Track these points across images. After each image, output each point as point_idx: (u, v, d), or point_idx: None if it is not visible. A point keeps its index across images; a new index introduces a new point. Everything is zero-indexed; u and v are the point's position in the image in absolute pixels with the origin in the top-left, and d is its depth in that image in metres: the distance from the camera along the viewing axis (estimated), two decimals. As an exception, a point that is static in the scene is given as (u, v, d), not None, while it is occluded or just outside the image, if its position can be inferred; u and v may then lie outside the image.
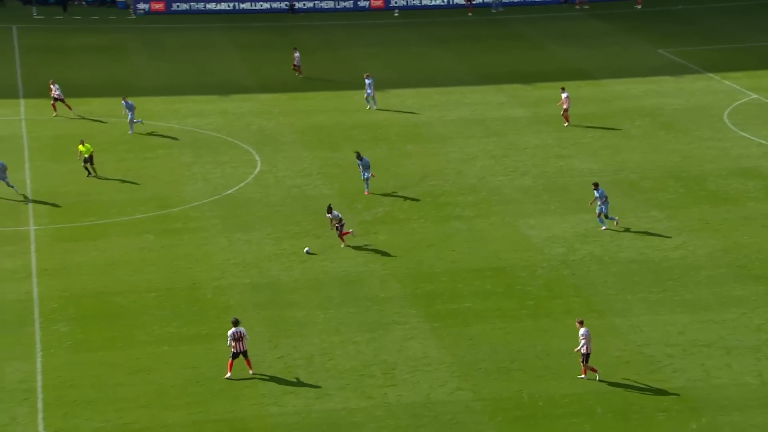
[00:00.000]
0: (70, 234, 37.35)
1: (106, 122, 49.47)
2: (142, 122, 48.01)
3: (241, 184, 42.42)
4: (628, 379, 28.15)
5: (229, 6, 71.36)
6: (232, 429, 26.12)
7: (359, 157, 41.07)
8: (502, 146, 46.95)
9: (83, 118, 49.30)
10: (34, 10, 69.33)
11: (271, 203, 40.48)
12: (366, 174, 40.90)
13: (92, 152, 42.15)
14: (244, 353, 28.15)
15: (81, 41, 63.59)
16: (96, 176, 42.30)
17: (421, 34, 67.37)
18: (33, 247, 36.13)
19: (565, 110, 49.02)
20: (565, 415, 26.70)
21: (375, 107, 51.52)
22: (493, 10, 72.98)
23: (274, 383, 28.12)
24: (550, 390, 27.69)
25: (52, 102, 49.10)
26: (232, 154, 45.82)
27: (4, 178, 40.03)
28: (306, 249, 35.66)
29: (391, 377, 28.44)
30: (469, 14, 72.78)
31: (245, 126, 49.59)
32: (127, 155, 45.45)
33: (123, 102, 47.66)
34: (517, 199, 40.95)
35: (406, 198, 41.07)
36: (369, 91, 51.14)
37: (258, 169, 44.08)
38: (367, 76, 51.53)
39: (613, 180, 42.44)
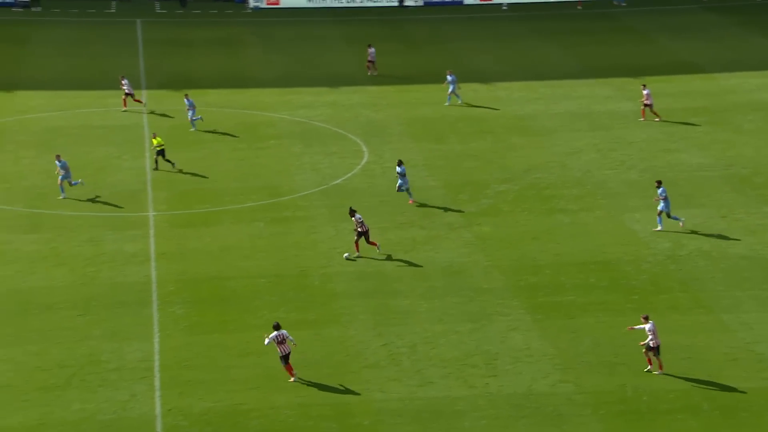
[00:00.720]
0: (186, 220, 38.11)
1: (221, 112, 50.33)
2: (201, 119, 47.39)
3: (348, 175, 42.65)
4: (737, 377, 27.35)
5: (340, 1, 71.74)
6: (337, 413, 26.30)
7: (400, 163, 39.26)
8: (608, 140, 46.11)
9: (153, 112, 49.71)
10: (157, 5, 70.98)
11: (377, 193, 40.58)
12: (402, 182, 38.76)
13: (163, 146, 42.23)
14: (287, 357, 27.34)
15: (200, 34, 64.81)
16: (160, 169, 42.06)
17: (529, 28, 66.62)
18: (152, 232, 36.99)
19: (647, 106, 47.81)
20: (670, 411, 26.09)
21: (459, 102, 50.93)
22: (615, 2, 71.72)
23: (378, 370, 28.21)
24: (654, 385, 27.10)
25: (123, 96, 49.21)
26: (340, 145, 46.10)
27: (67, 177, 39.09)
28: (345, 255, 34.26)
29: (493, 367, 28.24)
30: (579, 7, 71.65)
31: (354, 117, 49.82)
32: (240, 145, 46.15)
33: (185, 100, 47.20)
34: (623, 192, 40.16)
35: (510, 190, 40.69)
36: (452, 87, 50.72)
37: (365, 160, 44.24)
38: (450, 72, 51.14)
39: (723, 175, 41.28)
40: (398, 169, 39.06)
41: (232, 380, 27.67)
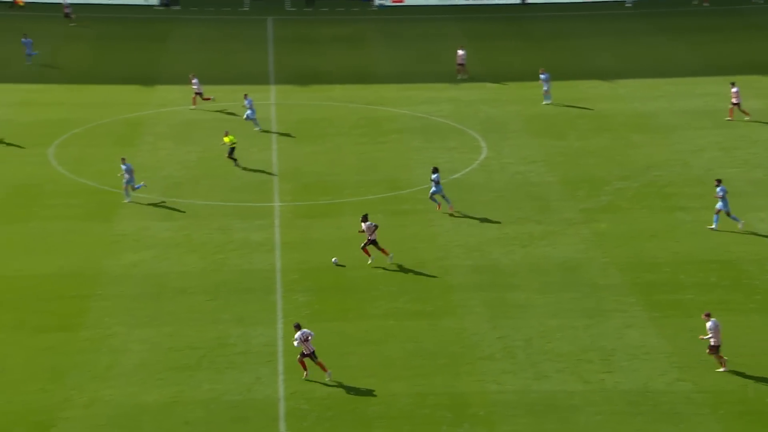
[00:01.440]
0: (309, 211, 38.61)
1: (344, 107, 50.80)
2: (255, 124, 46.67)
3: (467, 170, 42.46)
4: None
5: (462, -2, 71.52)
6: (453, 403, 26.24)
7: (435, 170, 37.45)
8: (732, 138, 44.64)
9: (224, 112, 49.99)
10: (287, 3, 72.14)
11: (495, 189, 40.28)
12: (436, 189, 37.14)
13: (235, 144, 42.21)
14: (313, 354, 27.10)
15: (326, 32, 65.51)
16: (238, 165, 42.00)
17: (653, 25, 65.01)
18: (277, 222, 37.61)
19: (735, 105, 45.96)
20: (791, 413, 25.16)
21: (549, 102, 49.90)
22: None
23: (493, 362, 28.02)
24: (776, 387, 26.16)
25: (193, 96, 49.25)
26: (459, 140, 45.93)
27: (131, 182, 38.35)
28: (334, 260, 33.39)
29: (608, 363, 27.71)
30: (705, 4, 69.53)
31: (473, 113, 49.56)
32: (362, 139, 46.46)
33: (245, 100, 46.88)
34: (748, 191, 38.83)
35: (629, 187, 39.81)
36: (546, 86, 49.73)
37: (484, 156, 43.97)
38: (542, 71, 50.18)
39: None
40: (433, 176, 37.60)
41: (351, 366, 27.91)
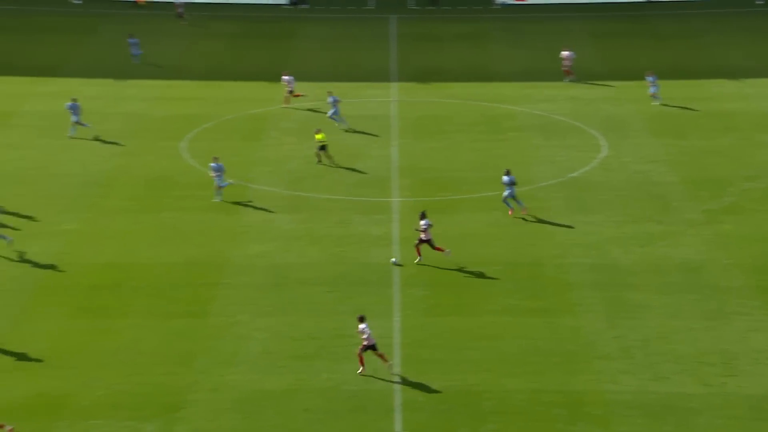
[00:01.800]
0: (427, 206, 38.65)
1: (464, 104, 50.67)
2: (338, 122, 46.46)
3: (586, 168, 41.82)
4: None
5: (585, -4, 70.39)
6: (568, 401, 25.96)
7: (508, 173, 36.90)
8: None
9: (316, 111, 50.17)
10: (410, 2, 72.43)
11: (614, 187, 39.56)
12: (509, 192, 36.66)
13: (325, 142, 42.23)
14: (373, 347, 27.06)
15: (449, 30, 65.46)
16: (323, 164, 42.05)
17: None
18: (395, 217, 37.84)
19: None
20: None
21: (658, 102, 48.42)
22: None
23: (610, 361, 27.57)
24: None
25: (285, 94, 49.49)
26: (579, 139, 45.27)
27: (219, 180, 38.06)
28: (393, 260, 32.89)
29: (731, 367, 26.93)
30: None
31: (594, 112, 48.76)
32: (481, 136, 46.29)
33: (329, 97, 46.71)
34: None
35: (756, 188, 38.51)
36: (653, 89, 48.26)
37: (603, 154, 43.22)
38: (650, 73, 48.71)
39: None
40: (505, 178, 37.04)
41: (467, 362, 27.90)
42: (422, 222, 33.36)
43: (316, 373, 27.50)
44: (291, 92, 49.20)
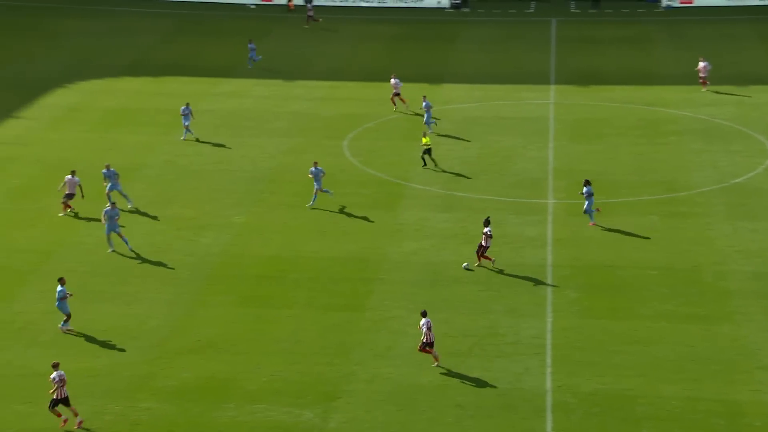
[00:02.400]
0: (582, 209, 38.06)
1: (623, 108, 49.52)
2: (435, 123, 45.70)
3: (751, 174, 40.13)
4: None
5: (757, -1, 67.49)
6: (728, 411, 25.03)
7: (587, 183, 35.95)
8: None
9: (415, 114, 49.18)
10: (572, 4, 71.38)
11: (781, 194, 37.83)
12: (588, 203, 35.65)
13: (430, 146, 41.69)
14: (431, 344, 27.00)
15: (610, 33, 64.10)
16: (428, 167, 41.61)
17: None
18: (550, 218, 37.40)
19: None
20: None
21: None
22: None
23: (768, 372, 26.45)
24: None
25: (392, 96, 49.13)
26: (743, 144, 43.49)
27: (318, 185, 37.38)
28: (465, 264, 31.66)
29: None
30: None
31: (761, 117, 46.75)
32: (640, 140, 45.14)
33: (424, 102, 45.80)
34: None
35: None
36: None
37: (770, 160, 41.41)
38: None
39: None
40: (585, 189, 35.78)
41: (619, 365, 27.33)
42: (486, 229, 32.81)
43: (468, 370, 27.53)
44: (397, 95, 49.16)
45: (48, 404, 24.64)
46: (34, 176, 39.99)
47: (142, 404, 25.74)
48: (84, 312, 29.94)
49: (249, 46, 56.57)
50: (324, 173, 37.89)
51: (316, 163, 37.93)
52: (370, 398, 26.37)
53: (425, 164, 42.00)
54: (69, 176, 36.94)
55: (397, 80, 49.30)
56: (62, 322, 28.94)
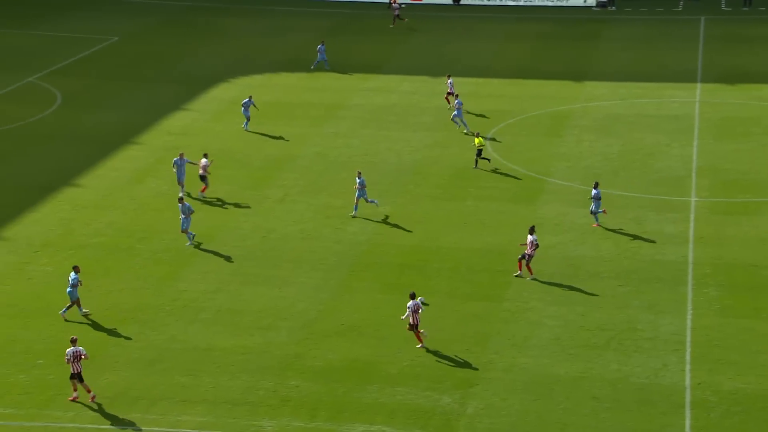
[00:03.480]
0: (726, 208, 36.66)
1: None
2: (461, 125, 43.37)
3: None
4: None
5: None
6: None
7: (595, 186, 35.09)
8: None
9: (481, 116, 47.29)
10: (722, 2, 68.68)
11: None
12: (595, 206, 34.84)
13: (483, 146, 40.81)
14: (416, 326, 27.42)
15: (762, 31, 61.32)
16: (477, 167, 40.71)
17: None
18: (692, 216, 36.17)
19: None
20: None
21: None
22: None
23: None
24: None
25: (446, 96, 48.56)
26: None
27: (363, 195, 36.04)
28: (420, 299, 29.43)
29: None
30: None
31: None
32: (790, 139, 43.08)
33: (456, 101, 44.93)
34: None
35: None
36: None
37: None
38: None
39: None
40: (593, 191, 34.89)
41: (763, 365, 26.22)
42: (530, 237, 31.68)
43: (605, 364, 26.98)
44: (451, 93, 48.63)
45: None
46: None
47: (291, 382, 26.41)
48: (240, 293, 30.96)
49: (319, 47, 56.05)
50: (365, 183, 36.26)
51: (359, 173, 36.53)
52: (506, 387, 26.22)
53: (476, 166, 41.18)
54: (204, 160, 38.10)
55: (452, 81, 49.13)
56: (64, 309, 29.02)
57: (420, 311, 27.74)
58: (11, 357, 26.69)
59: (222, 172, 40.45)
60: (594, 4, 69.77)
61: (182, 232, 34.06)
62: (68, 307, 29.15)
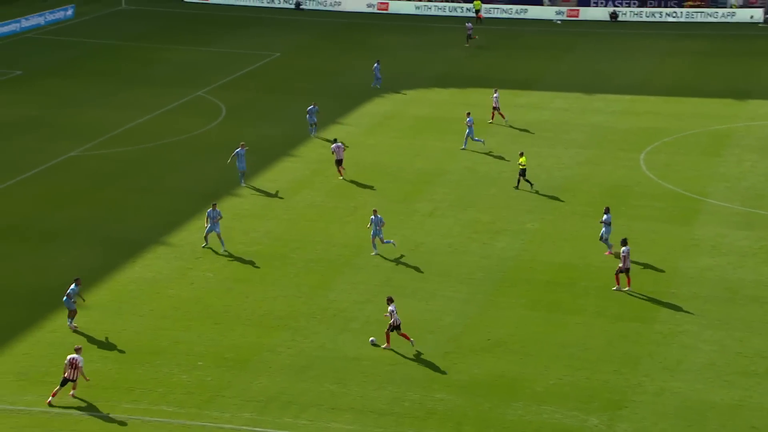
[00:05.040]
0: None
1: None
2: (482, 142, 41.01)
3: None
4: None
5: None
6: None
7: (606, 211, 34.08)
8: None
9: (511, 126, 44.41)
10: None
11: None
12: (605, 231, 33.80)
13: (525, 166, 39.58)
14: (398, 327, 27.79)
15: None
16: (520, 189, 39.54)
17: None
18: None
19: None
20: None
21: None
22: None
23: None
24: None
25: (492, 110, 48.07)
26: None
27: (378, 234, 33.89)
28: (371, 339, 28.29)
29: None
30: None
31: None
32: None
33: (468, 119, 43.66)
34: None
35: None
36: None
37: None
38: None
39: None
40: (604, 217, 33.85)
41: None
42: (624, 248, 30.62)
43: (764, 392, 25.65)
44: (497, 109, 48.20)
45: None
46: (350, 177, 42.25)
47: (437, 395, 26.36)
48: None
49: (375, 65, 55.61)
50: (383, 222, 34.28)
51: (375, 211, 34.49)
52: (657, 411, 25.29)
53: (518, 186, 40.21)
54: (335, 144, 41.02)
55: (497, 95, 48.74)
56: (70, 320, 29.14)
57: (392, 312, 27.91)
58: (174, 357, 27.82)
59: (373, 185, 40.98)
60: (761, 21, 66.76)
61: (206, 236, 34.30)
62: (70, 318, 29.23)
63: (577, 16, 71.49)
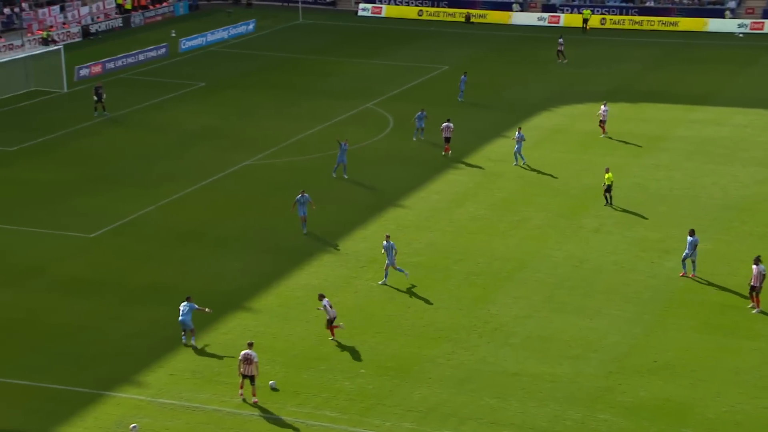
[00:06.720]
0: None
1: None
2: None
3: None
4: None
5: None
6: None
7: (691, 233, 32.52)
8: None
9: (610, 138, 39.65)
10: None
11: None
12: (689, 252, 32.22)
13: (611, 183, 37.61)
14: (331, 321, 28.83)
15: None
16: (610, 205, 38.70)
17: None
18: None
19: None
20: None
21: None
22: None
23: None
24: None
25: (599, 123, 47.60)
26: None
27: (392, 262, 32.39)
28: (271, 383, 26.73)
29: None
30: None
31: None
32: None
33: (517, 134, 41.36)
34: None
35: None
36: None
37: None
38: None
39: None
40: (690, 239, 32.46)
41: None
42: (755, 268, 29.85)
43: None
44: (603, 122, 46.98)
45: None
46: (514, 191, 41.85)
47: (600, 415, 25.59)
48: (550, 320, 30.62)
49: (462, 78, 54.50)
50: (396, 251, 32.70)
51: (388, 237, 33.00)
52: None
53: (608, 202, 38.74)
54: (445, 123, 44.41)
55: (606, 109, 47.49)
56: (192, 338, 28.69)
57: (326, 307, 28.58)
58: (338, 364, 28.30)
59: (538, 200, 40.42)
60: None
61: (303, 217, 36.56)
62: (191, 336, 28.89)
63: (761, 29, 68.08)
